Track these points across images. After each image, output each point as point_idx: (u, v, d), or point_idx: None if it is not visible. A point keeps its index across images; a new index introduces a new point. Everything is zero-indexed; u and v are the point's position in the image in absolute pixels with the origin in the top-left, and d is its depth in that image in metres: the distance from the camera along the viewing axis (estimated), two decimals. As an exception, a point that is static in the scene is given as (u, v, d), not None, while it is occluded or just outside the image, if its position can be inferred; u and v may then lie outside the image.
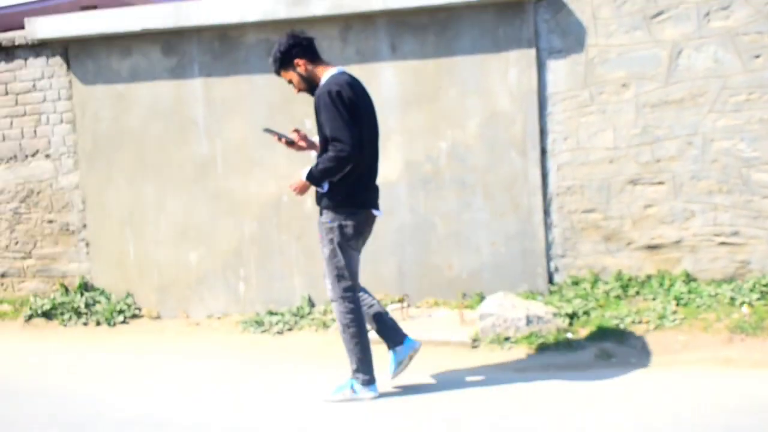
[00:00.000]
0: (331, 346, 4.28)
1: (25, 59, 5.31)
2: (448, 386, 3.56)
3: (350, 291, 3.28)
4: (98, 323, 5.13)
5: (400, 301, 4.62)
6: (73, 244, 5.36)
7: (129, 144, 5.14)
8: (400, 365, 3.38)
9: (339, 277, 3.27)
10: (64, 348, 4.73)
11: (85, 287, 5.33)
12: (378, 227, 4.26)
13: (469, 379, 3.70)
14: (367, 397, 3.31)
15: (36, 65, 5.27)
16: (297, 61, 3.24)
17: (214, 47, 4.93)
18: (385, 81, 4.66)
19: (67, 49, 5.18)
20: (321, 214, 3.27)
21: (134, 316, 5.21)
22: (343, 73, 3.28)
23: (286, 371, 4.00)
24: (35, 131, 5.35)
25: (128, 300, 5.21)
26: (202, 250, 5.05)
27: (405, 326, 3.96)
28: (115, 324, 5.11)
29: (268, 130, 3.40)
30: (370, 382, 3.32)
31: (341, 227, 3.21)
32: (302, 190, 3.26)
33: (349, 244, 3.25)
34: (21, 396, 3.78)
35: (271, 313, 4.91)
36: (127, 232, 5.18)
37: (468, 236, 4.64)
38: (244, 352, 4.41)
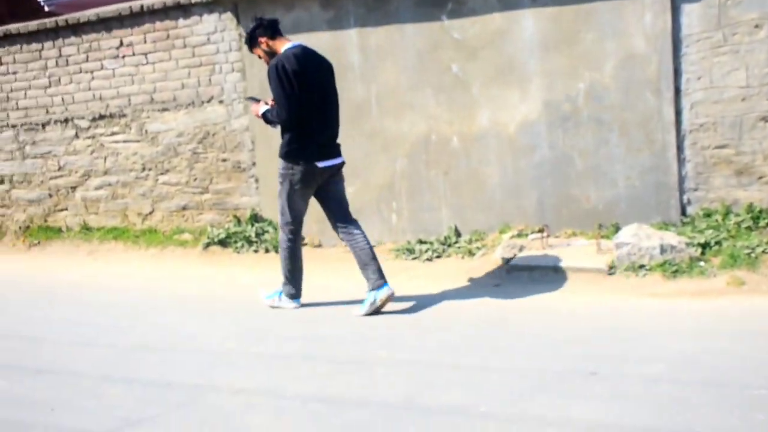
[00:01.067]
0: (475, 271, 5.40)
1: (200, 15, 6.70)
2: (586, 307, 4.48)
3: (289, 225, 4.56)
4: (267, 250, 6.50)
5: (540, 231, 5.67)
6: (244, 180, 6.80)
7: (292, 90, 6.43)
8: (371, 305, 4.45)
9: (282, 213, 4.57)
10: (241, 271, 6.13)
11: (255, 218, 6.76)
12: (519, 163, 5.37)
13: (605, 300, 4.56)
14: (288, 306, 4.71)
15: (210, 21, 6.65)
16: (260, 39, 4.43)
17: (368, 1, 6.09)
18: (526, 27, 5.66)
19: (237, 5, 6.51)
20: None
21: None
22: (295, 46, 4.39)
23: (435, 290, 5.09)
24: (210, 80, 6.77)
25: (292, 230, 6.57)
26: (359, 185, 6.31)
27: (545, 254, 5.05)
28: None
29: (250, 98, 4.77)
30: (294, 296, 4.73)
31: (289, 175, 4.43)
32: (256, 115, 4.58)
33: (294, 189, 4.45)
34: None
35: (420, 242, 6.09)
36: (290, 169, 6.52)
37: (605, 170, 5.61)
38: (398, 275, 5.47)
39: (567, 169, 5.64)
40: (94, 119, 7.21)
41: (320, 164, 4.43)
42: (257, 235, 6.56)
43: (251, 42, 4.50)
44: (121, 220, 7.25)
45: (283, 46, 4.44)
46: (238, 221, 6.73)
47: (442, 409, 3.03)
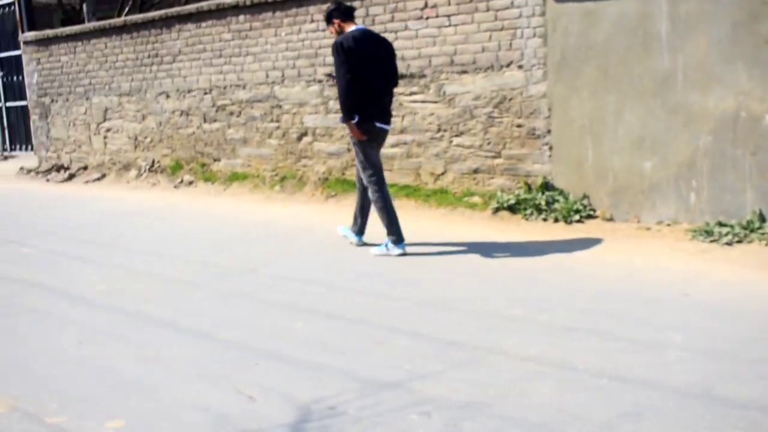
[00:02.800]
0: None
1: (506, -21, 7.99)
2: None
3: (373, 177, 6.52)
4: (556, 220, 7.64)
5: None
6: (538, 147, 8.04)
7: (593, 57, 7.51)
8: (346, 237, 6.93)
9: (363, 169, 6.55)
10: (528, 237, 7.36)
11: (546, 187, 7.97)
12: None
13: None
14: (395, 252, 6.52)
15: (515, -16, 7.91)
16: (334, 20, 6.48)
17: (681, -33, 6.95)
18: None
19: (543, -31, 7.70)
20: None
21: (589, 216, 7.60)
22: (358, 29, 6.41)
23: (735, 278, 5.78)
24: (510, 44, 8.05)
25: (584, 201, 7.71)
26: (656, 160, 7.26)
27: None
28: (571, 222, 7.57)
29: (328, 75, 6.69)
30: (398, 241, 6.53)
31: (356, 137, 6.38)
32: (354, 133, 6.46)
33: (367, 143, 6.42)
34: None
35: (720, 224, 6.84)
36: (586, 138, 7.65)
37: None
38: (693, 258, 6.26)
39: None
40: (395, 78, 8.83)
41: (378, 124, 6.45)
42: (547, 203, 7.75)
43: (328, 20, 6.55)
44: (413, 179, 8.85)
45: (349, 28, 6.43)
46: (529, 188, 7.98)
47: (741, 403, 3.35)
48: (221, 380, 4.27)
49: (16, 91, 15.05)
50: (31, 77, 13.92)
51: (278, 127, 9.92)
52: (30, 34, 13.80)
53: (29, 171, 13.72)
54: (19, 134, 15.31)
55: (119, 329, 5.25)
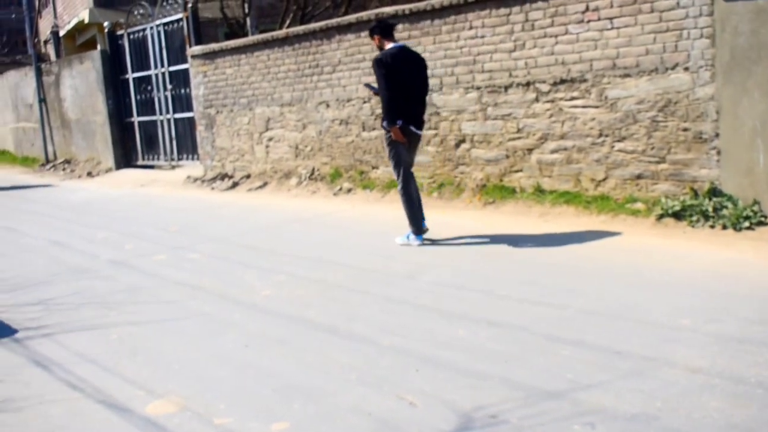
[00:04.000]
0: None
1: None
2: None
3: (402, 174, 7.60)
4: (724, 227, 7.32)
5: None
6: (705, 151, 7.77)
7: (766, 57, 7.22)
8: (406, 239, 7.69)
9: (395, 166, 7.60)
10: (696, 246, 7.13)
11: (713, 192, 7.67)
12: None
13: None
14: (414, 243, 7.57)
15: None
16: (374, 36, 7.60)
17: None
18: None
19: (711, -33, 7.45)
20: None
21: (760, 223, 7.22)
22: (396, 47, 7.53)
23: None
24: (676, 46, 7.81)
25: (755, 207, 7.36)
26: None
27: None
28: (740, 229, 7.19)
29: (367, 85, 7.88)
30: (417, 233, 7.61)
31: (390, 138, 7.50)
32: (397, 135, 7.51)
33: (400, 144, 7.51)
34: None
35: None
36: (757, 141, 7.32)
37: None
38: None
39: None
40: (554, 83, 8.75)
41: (412, 129, 7.49)
42: (715, 209, 7.47)
43: (370, 35, 7.69)
44: (573, 185, 8.73)
45: (388, 45, 7.54)
46: (695, 194, 7.72)
47: None
48: (382, 385, 4.34)
49: (184, 103, 15.75)
50: (197, 89, 14.57)
51: (436, 135, 9.99)
52: (197, 48, 14.46)
53: (195, 179, 14.35)
54: (186, 144, 16.03)
55: (282, 333, 5.42)
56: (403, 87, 7.33)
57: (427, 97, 8.34)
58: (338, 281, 6.69)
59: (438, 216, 8.95)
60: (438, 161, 10.02)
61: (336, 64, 11.35)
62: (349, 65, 11.16)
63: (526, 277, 6.34)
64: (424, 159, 10.16)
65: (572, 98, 8.45)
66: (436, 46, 9.81)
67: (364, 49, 10.84)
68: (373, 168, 11.05)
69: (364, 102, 10.98)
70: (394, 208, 9.65)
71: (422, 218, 7.62)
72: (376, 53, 7.63)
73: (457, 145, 9.76)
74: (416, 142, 7.69)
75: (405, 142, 7.46)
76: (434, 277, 6.52)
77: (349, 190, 11.10)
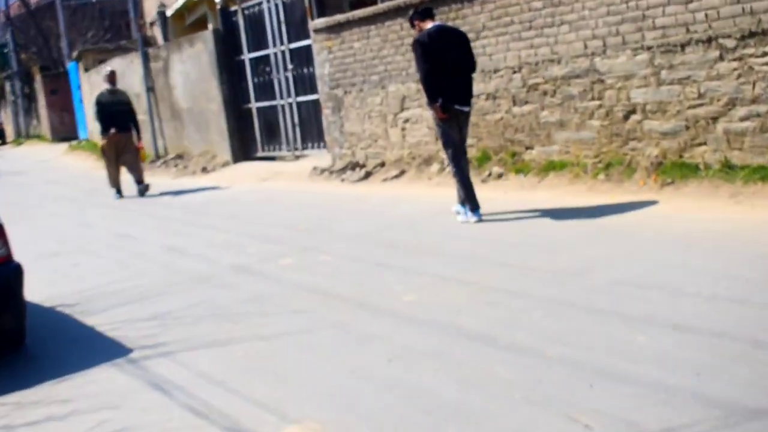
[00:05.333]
0: None
1: None
2: None
3: (451, 152, 8.93)
4: None
5: None
6: None
7: None
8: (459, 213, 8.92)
9: (444, 145, 8.96)
10: None
11: None
12: None
13: None
14: (472, 219, 8.80)
15: None
16: (413, 21, 8.85)
17: None
18: None
19: None
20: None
21: None
22: (434, 26, 8.70)
23: None
24: None
25: None
26: None
27: None
28: None
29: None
30: (474, 209, 8.84)
31: (437, 117, 8.73)
32: (438, 113, 8.72)
33: (445, 123, 8.71)
34: None
35: None
36: None
37: None
38: None
39: None
40: (742, 37, 8.40)
41: (456, 106, 8.62)
42: None
43: (411, 25, 9.12)
44: (770, 158, 8.39)
45: (427, 25, 8.69)
46: None
47: None
48: (551, 404, 4.30)
49: (307, 84, 15.98)
50: (322, 68, 14.76)
51: (600, 106, 9.81)
52: (320, 21, 14.65)
53: (322, 171, 14.55)
54: (311, 131, 16.27)
55: (431, 345, 5.43)
56: (443, 65, 8.46)
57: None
58: (493, 282, 6.66)
59: (607, 201, 8.78)
60: (603, 137, 9.83)
61: (480, 30, 11.29)
62: (495, 30, 11.09)
63: (723, 269, 6.10)
64: (588, 135, 9.99)
65: (764, 54, 8.11)
66: (596, 1, 9.62)
67: (512, 11, 10.74)
68: (527, 149, 10.96)
69: (514, 72, 10.89)
70: (554, 196, 9.54)
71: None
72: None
73: (626, 117, 9.56)
74: (464, 120, 8.83)
75: (446, 118, 8.59)
76: (609, 274, 6.38)
77: (500, 176, 11.03)
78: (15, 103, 46.91)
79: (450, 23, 11.46)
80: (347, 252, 8.46)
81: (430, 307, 6.21)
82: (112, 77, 16.18)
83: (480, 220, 8.73)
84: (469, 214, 8.81)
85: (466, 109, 8.71)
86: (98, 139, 18.19)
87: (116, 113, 15.46)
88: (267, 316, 6.61)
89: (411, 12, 8.88)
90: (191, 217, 12.46)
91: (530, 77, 10.69)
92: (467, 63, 8.77)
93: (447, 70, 8.44)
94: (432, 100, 8.50)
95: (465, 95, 8.69)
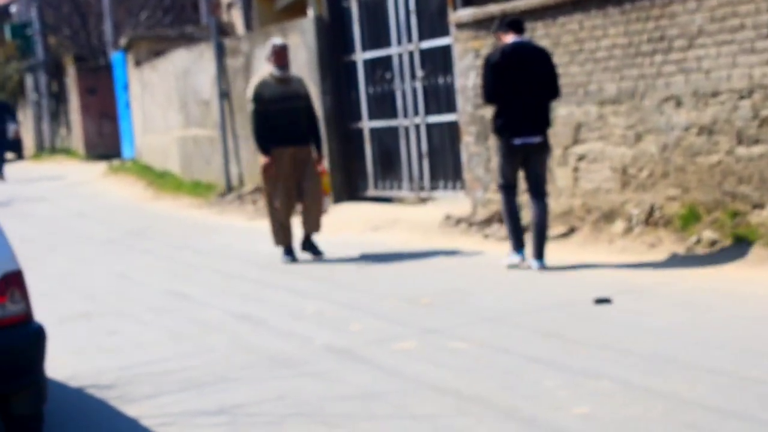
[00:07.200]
0: None
1: None
2: None
3: (502, 187, 10.75)
4: None
5: None
6: None
7: None
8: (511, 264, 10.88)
9: (498, 177, 10.81)
10: None
11: None
12: None
13: None
14: (514, 261, 10.77)
15: None
16: (496, 34, 10.90)
17: None
18: None
19: None
20: None
21: None
22: (512, 43, 10.35)
23: None
24: None
25: None
26: None
27: None
28: None
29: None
30: (517, 249, 10.72)
31: (498, 146, 10.79)
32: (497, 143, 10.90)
33: (502, 155, 10.64)
34: None
35: None
36: None
37: None
38: None
39: None
40: None
41: (516, 141, 10.13)
42: None
43: (494, 34, 10.66)
44: None
45: (508, 40, 10.17)
46: None
47: None
48: None
49: (442, 99, 15.82)
50: (465, 77, 14.69)
51: None
52: (465, 13, 14.58)
53: (458, 221, 14.46)
54: (444, 165, 16.06)
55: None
56: (511, 89, 10.09)
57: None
58: (698, 395, 6.55)
59: None
60: None
61: (694, 36, 11.19)
62: (717, 37, 10.96)
63: None
64: None
65: None
66: None
67: (743, 10, 10.59)
68: (755, 207, 10.75)
69: (741, 97, 10.72)
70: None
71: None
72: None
73: None
74: (536, 153, 10.54)
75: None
76: None
77: (713, 243, 10.85)
78: (38, 104, 46.19)
79: (650, 24, 11.38)
80: (489, 338, 8.43)
81: (611, 426, 6.16)
82: (281, 55, 13.35)
83: (519, 263, 10.80)
84: (511, 254, 10.71)
85: (535, 140, 10.15)
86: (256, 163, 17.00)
87: (288, 115, 12.96)
88: (377, 420, 6.62)
89: (496, 22, 10.44)
90: (271, 276, 12.54)
91: (765, 106, 10.52)
92: (547, 87, 10.25)
93: (516, 96, 9.97)
94: (498, 134, 10.49)
95: (536, 124, 10.14)
